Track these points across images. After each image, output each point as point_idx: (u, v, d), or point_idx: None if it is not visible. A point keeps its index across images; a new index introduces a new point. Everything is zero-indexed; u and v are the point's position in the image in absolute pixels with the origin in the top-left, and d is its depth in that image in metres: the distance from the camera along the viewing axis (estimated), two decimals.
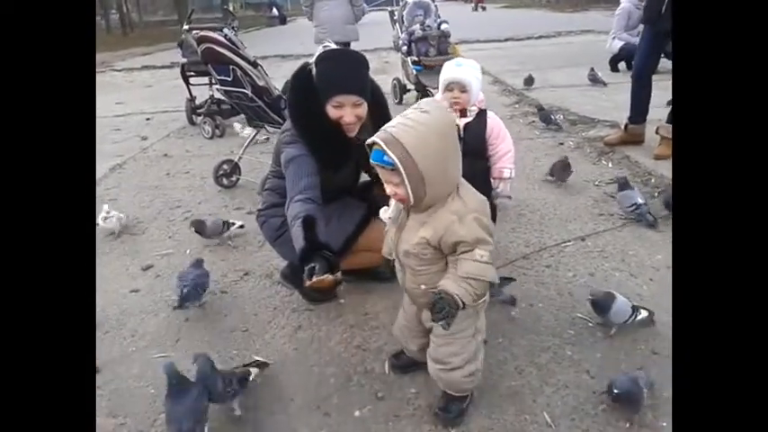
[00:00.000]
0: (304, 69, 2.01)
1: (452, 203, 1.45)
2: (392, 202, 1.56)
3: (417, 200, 1.42)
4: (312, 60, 1.99)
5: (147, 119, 6.50)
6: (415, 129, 1.36)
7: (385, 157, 1.37)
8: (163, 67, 11.17)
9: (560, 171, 3.54)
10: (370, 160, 1.44)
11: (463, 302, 1.41)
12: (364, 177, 2.38)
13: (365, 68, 1.99)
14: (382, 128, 1.41)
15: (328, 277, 1.64)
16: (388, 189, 1.46)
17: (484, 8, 24.06)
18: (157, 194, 3.91)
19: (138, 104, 7.45)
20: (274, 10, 24.12)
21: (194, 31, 5.45)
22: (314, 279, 1.62)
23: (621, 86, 5.82)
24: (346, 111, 1.94)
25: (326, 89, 1.93)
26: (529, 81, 6.75)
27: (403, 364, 1.89)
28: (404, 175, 1.36)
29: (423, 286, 1.56)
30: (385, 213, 1.61)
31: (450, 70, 2.23)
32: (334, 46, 2.01)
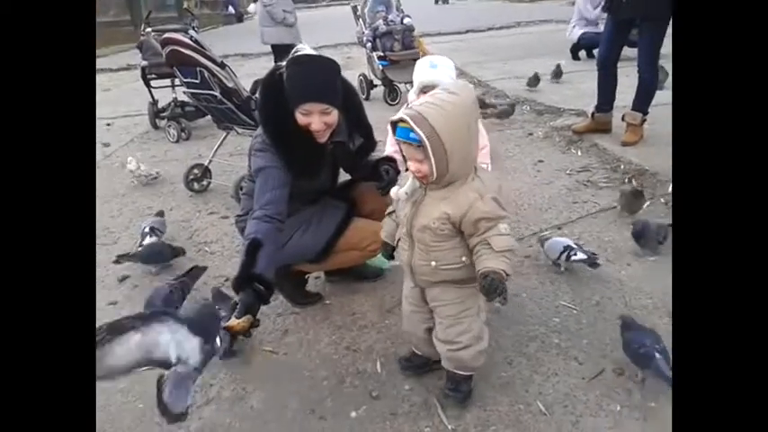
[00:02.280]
0: (274, 74, 1.97)
1: (473, 182, 1.54)
2: (408, 178, 1.61)
3: (440, 176, 1.49)
4: (283, 64, 1.96)
5: (108, 124, 6.31)
6: (442, 108, 1.44)
7: (411, 134, 1.44)
8: (119, 69, 10.84)
9: (631, 201, 2.89)
10: (395, 136, 1.51)
11: (507, 274, 1.46)
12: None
13: (335, 75, 1.95)
14: (409, 106, 1.48)
15: (240, 323, 1.66)
16: (412, 165, 1.52)
17: (446, 1, 23.81)
18: (126, 203, 3.81)
19: (96, 109, 7.21)
20: (230, 8, 23.71)
21: (153, 33, 5.34)
22: (227, 323, 1.65)
23: (584, 75, 5.95)
24: (314, 118, 1.90)
25: (294, 96, 1.90)
26: (534, 81, 5.86)
27: (417, 365, 1.89)
28: (429, 152, 1.43)
29: (433, 263, 1.60)
30: (399, 190, 1.64)
31: (425, 72, 2.22)
32: (308, 50, 1.97)
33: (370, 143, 2.17)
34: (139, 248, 2.77)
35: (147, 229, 2.98)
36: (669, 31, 3.45)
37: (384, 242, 1.81)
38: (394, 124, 1.52)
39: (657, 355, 1.69)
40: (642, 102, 3.77)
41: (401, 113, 1.49)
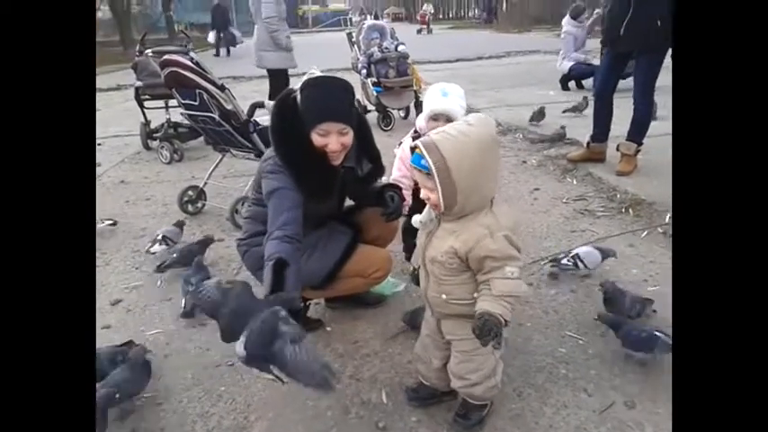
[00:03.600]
0: (288, 96, 1.96)
1: (485, 218, 1.50)
2: (426, 207, 1.60)
3: (447, 207, 1.47)
4: (297, 87, 1.96)
5: (98, 144, 6.23)
6: (456, 138, 1.43)
7: (422, 161, 1.44)
8: (109, 89, 10.77)
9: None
10: (410, 162, 1.52)
11: (505, 320, 1.43)
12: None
13: (351, 96, 1.95)
14: (424, 133, 1.48)
15: None
16: (423, 193, 1.52)
17: (430, 30, 23.87)
18: (119, 224, 3.73)
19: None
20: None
21: (152, 54, 5.32)
22: None
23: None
24: (332, 139, 1.89)
25: (312, 116, 1.88)
26: (539, 115, 5.66)
27: (423, 397, 1.85)
28: (436, 181, 1.42)
29: (444, 296, 1.58)
30: (416, 218, 1.64)
31: (437, 101, 2.22)
32: (318, 73, 1.97)
33: (379, 168, 2.16)
34: (174, 255, 2.86)
35: (159, 236, 3.07)
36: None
37: (413, 268, 1.80)
38: (412, 150, 1.51)
39: (659, 333, 1.90)
40: (636, 133, 3.83)
41: (417, 140, 1.48)
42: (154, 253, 3.01)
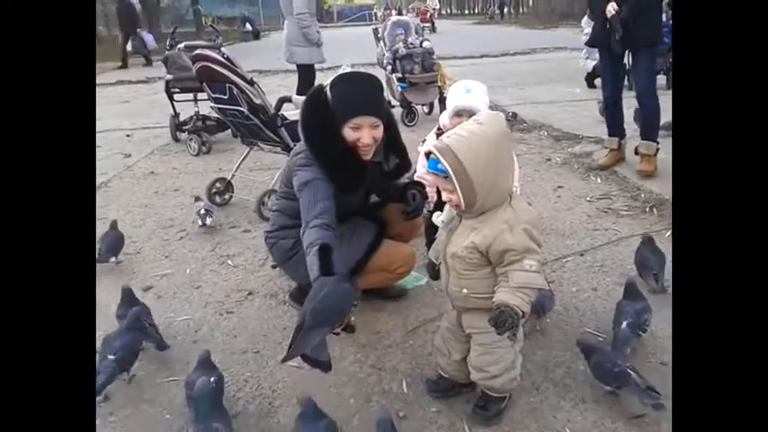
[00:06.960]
0: (320, 91, 2.02)
1: (504, 213, 1.54)
2: (446, 206, 1.65)
3: (468, 205, 1.51)
4: (327, 82, 2.01)
5: (128, 135, 6.39)
6: (468, 139, 1.47)
7: (439, 165, 1.48)
8: (138, 82, 10.99)
9: None
10: (427, 168, 1.56)
11: (522, 311, 1.47)
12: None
13: (381, 90, 2.01)
14: (440, 137, 1.52)
15: (348, 317, 1.70)
16: (444, 195, 1.57)
17: (434, 29, 21.73)
18: (148, 213, 3.84)
19: (116, 120, 7.31)
20: (247, 25, 24.13)
21: (182, 48, 5.43)
22: None
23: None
24: (364, 133, 1.95)
25: (344, 111, 1.94)
26: None
27: (443, 389, 1.89)
28: (455, 183, 1.47)
29: (464, 290, 1.63)
30: (438, 217, 1.70)
31: (460, 97, 2.26)
32: (349, 69, 2.02)
33: (406, 163, 2.20)
34: None
35: (202, 211, 3.38)
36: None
37: (430, 261, 1.86)
38: (427, 156, 1.56)
39: (632, 372, 1.75)
40: (650, 130, 3.79)
41: (431, 145, 1.53)
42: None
